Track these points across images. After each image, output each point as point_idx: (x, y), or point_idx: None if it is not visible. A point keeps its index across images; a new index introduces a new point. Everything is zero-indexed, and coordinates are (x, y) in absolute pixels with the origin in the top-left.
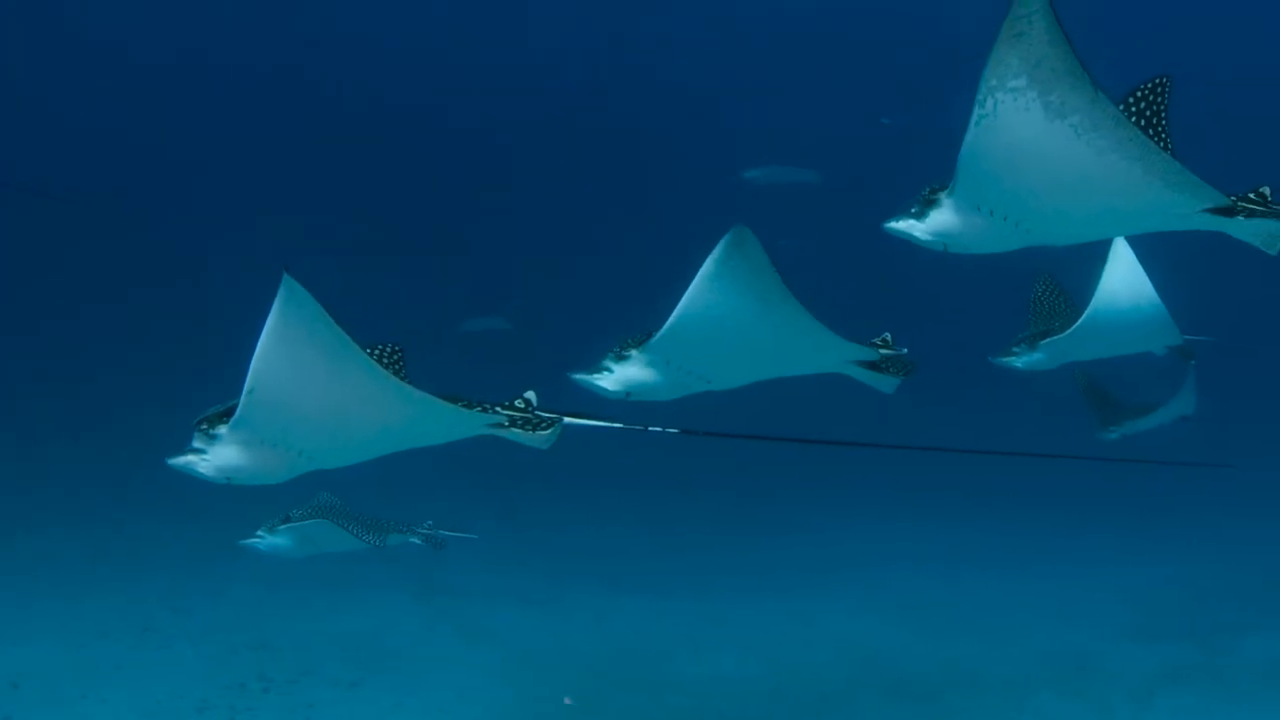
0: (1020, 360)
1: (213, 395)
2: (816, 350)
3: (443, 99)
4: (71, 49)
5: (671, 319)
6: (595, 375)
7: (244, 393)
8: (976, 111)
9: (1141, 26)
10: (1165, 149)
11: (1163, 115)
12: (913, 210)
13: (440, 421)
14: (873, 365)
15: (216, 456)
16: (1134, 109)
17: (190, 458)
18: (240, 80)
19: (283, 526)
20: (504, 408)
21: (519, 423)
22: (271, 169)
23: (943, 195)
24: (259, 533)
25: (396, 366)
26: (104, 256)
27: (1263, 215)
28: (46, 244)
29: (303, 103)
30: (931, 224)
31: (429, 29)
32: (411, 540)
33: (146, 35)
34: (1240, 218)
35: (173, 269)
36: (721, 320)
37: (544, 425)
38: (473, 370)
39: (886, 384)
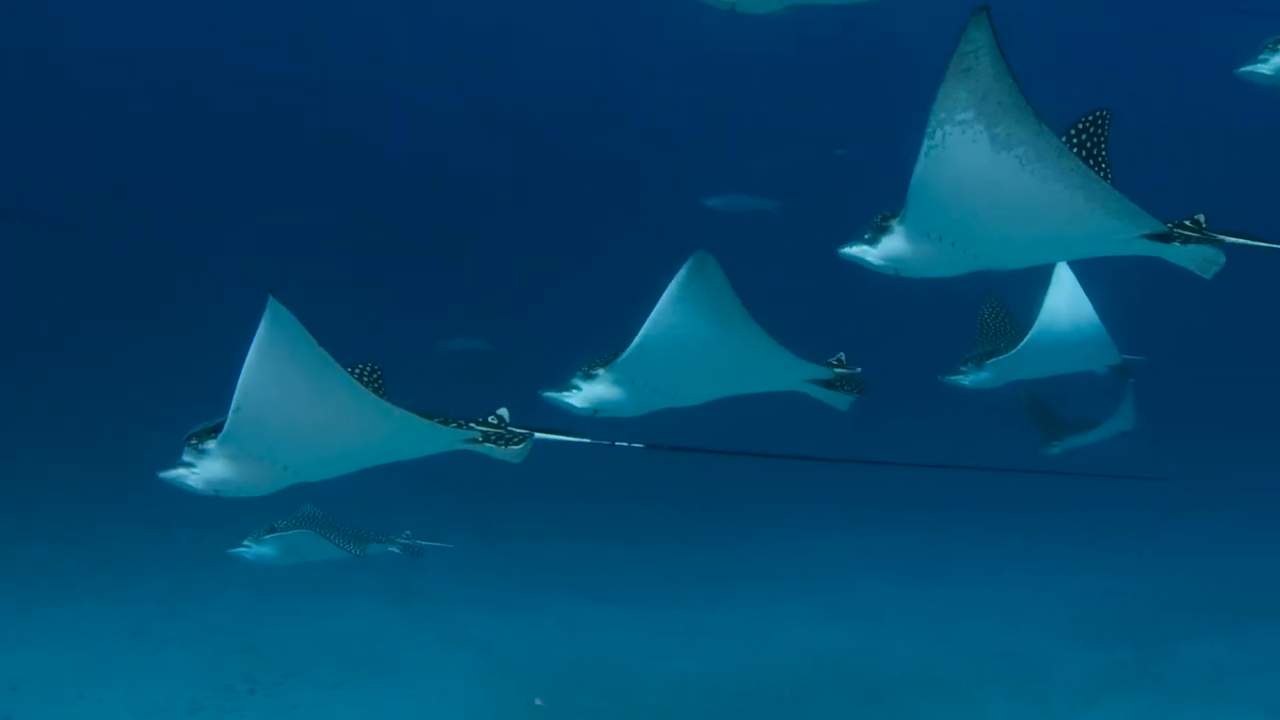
0: (968, 379)
1: (202, 412)
2: (774, 369)
3: (423, 133)
4: (58, 75)
5: (636, 340)
6: (564, 393)
7: (231, 410)
8: (926, 143)
9: (1084, 60)
10: (1105, 178)
11: (1103, 146)
12: (866, 236)
13: (418, 437)
14: (828, 384)
15: (205, 470)
16: (1076, 140)
17: (180, 471)
18: (226, 107)
19: (268, 536)
20: (478, 424)
21: (492, 438)
22: (257, 195)
23: (894, 222)
24: (246, 542)
25: (376, 385)
26: (98, 280)
27: (1198, 242)
28: (43, 266)
29: (285, 132)
30: (883, 249)
31: (408, 62)
32: (390, 549)
33: (136, 58)
34: (1176, 244)
35: (163, 293)
36: (684, 341)
37: (516, 440)
38: (449, 388)
39: (841, 401)
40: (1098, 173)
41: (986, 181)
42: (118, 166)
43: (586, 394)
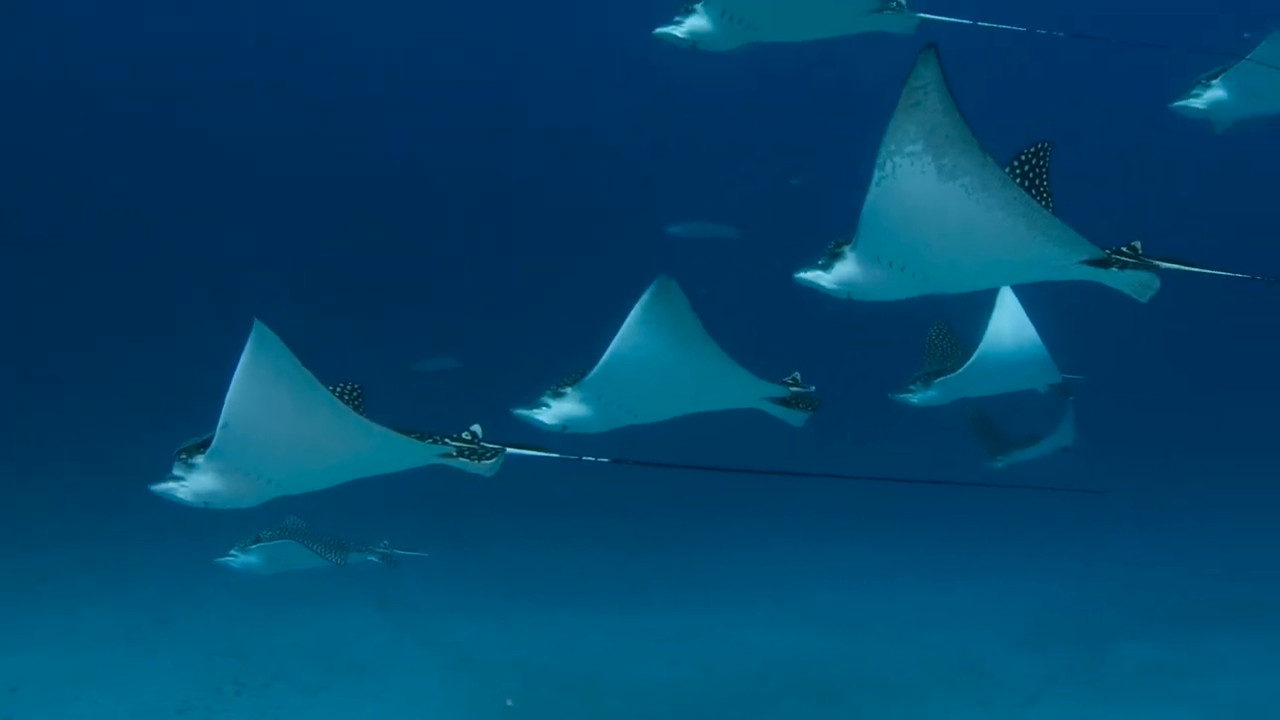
0: (916, 397)
1: (191, 428)
2: (733, 388)
3: (401, 161)
4: (46, 101)
5: (603, 360)
6: (535, 410)
7: (219, 426)
8: (877, 173)
9: (1028, 95)
10: (1047, 207)
11: (1045, 176)
12: (820, 262)
13: (395, 452)
14: (784, 401)
15: (194, 483)
16: (1019, 171)
17: (171, 484)
18: (203, 132)
19: (254, 546)
20: (452, 439)
21: (466, 453)
22: (241, 221)
23: (846, 249)
24: (232, 552)
25: (356, 402)
26: (94, 304)
27: (1134, 267)
28: (44, 291)
29: (272, 159)
30: (836, 274)
31: (386, 91)
32: (370, 559)
33: (122, 87)
34: (1114, 269)
35: (155, 316)
36: (648, 361)
37: (488, 455)
38: (425, 406)
39: (796, 418)
40: (1040, 202)
41: (934, 210)
42: (110, 193)
43: (556, 411)
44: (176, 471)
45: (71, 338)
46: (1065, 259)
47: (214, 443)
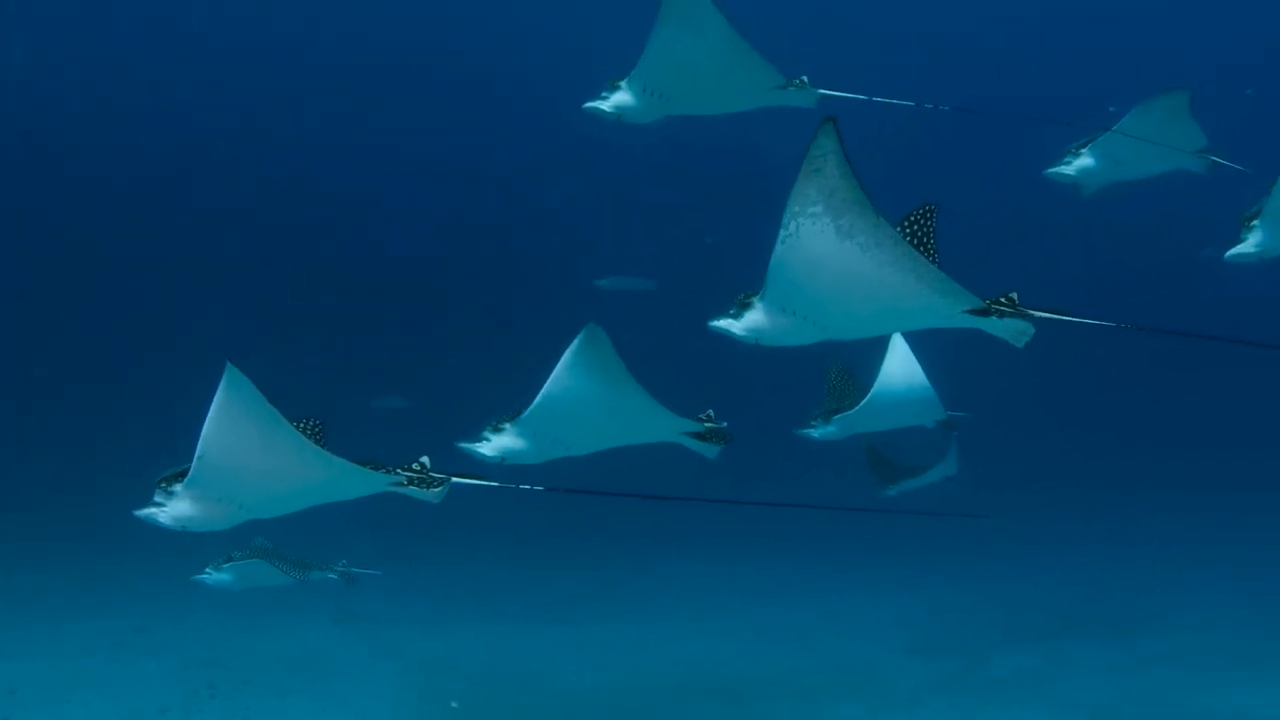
0: (817, 432)
1: (170, 459)
2: (654, 424)
3: (357, 218)
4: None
5: (537, 399)
6: (477, 444)
7: (195, 458)
8: (782, 232)
9: (917, 161)
10: (934, 262)
11: (931, 234)
12: (731, 311)
13: (353, 481)
14: (699, 436)
15: (173, 509)
16: (909, 229)
17: (152, 510)
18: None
19: (226, 565)
20: (403, 470)
21: (415, 482)
22: (214, 271)
23: (755, 299)
24: (207, 570)
25: (318, 436)
26: (80, 347)
27: (1011, 316)
28: (36, 334)
29: (243, 214)
30: (746, 323)
31: (336, 145)
32: (330, 576)
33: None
34: (994, 318)
35: (135, 359)
36: (577, 400)
37: (435, 484)
38: (379, 440)
39: (710, 451)
40: (927, 257)
41: (833, 265)
42: (95, 247)
43: (495, 444)
44: (157, 498)
45: (62, 379)
46: (949, 308)
47: (190, 472)
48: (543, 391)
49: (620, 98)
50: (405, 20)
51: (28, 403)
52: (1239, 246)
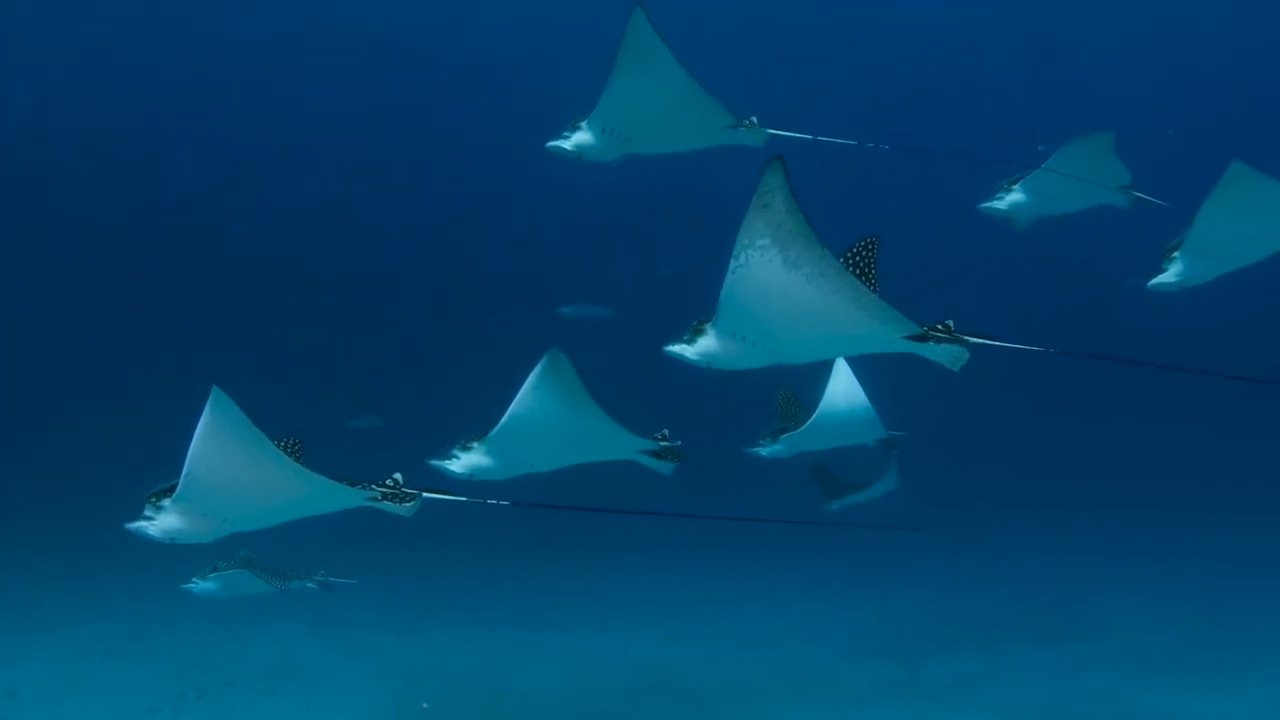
0: (765, 450)
1: (159, 476)
2: (613, 442)
3: (336, 248)
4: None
5: (503, 419)
6: (446, 461)
7: (183, 475)
8: (732, 263)
9: (859, 195)
10: (874, 291)
11: (873, 264)
12: (685, 338)
13: (331, 496)
14: (654, 454)
15: (162, 522)
16: (851, 260)
17: (143, 523)
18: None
19: (212, 575)
20: (378, 485)
21: (389, 496)
22: (206, 304)
23: (707, 326)
24: (194, 580)
25: (297, 454)
26: (78, 372)
27: (947, 341)
28: (36, 362)
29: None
30: (699, 348)
31: (306, 174)
32: (309, 585)
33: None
34: (931, 343)
35: (127, 382)
36: (541, 420)
37: (408, 498)
38: (355, 457)
39: (665, 467)
40: (868, 286)
41: (780, 294)
42: (92, 279)
43: (464, 462)
44: (147, 513)
45: (62, 400)
46: (890, 334)
47: (178, 488)
48: (508, 412)
49: (581, 137)
50: (378, 59)
51: (28, 421)
52: (1160, 277)
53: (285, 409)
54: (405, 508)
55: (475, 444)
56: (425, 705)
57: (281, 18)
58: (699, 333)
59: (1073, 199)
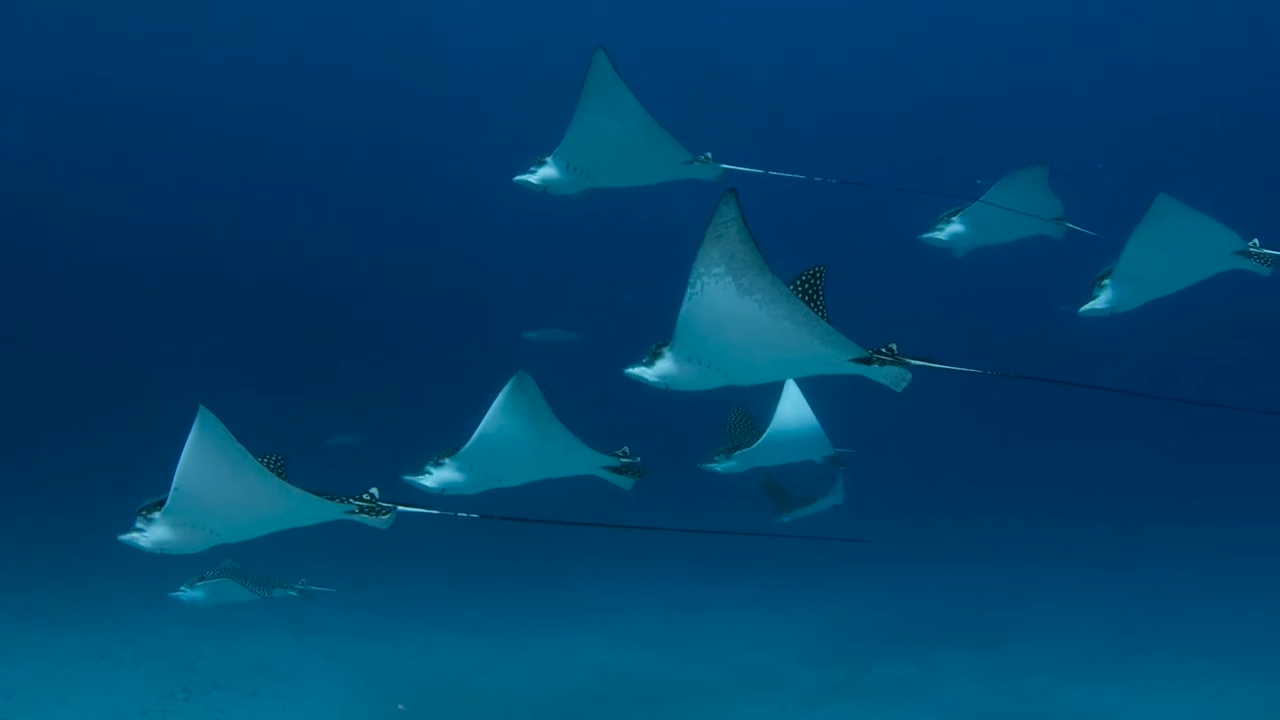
0: (719, 466)
1: (149, 490)
2: (576, 459)
3: (322, 274)
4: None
5: (473, 437)
6: (420, 477)
7: (171, 489)
8: (689, 290)
9: (809, 227)
10: (822, 316)
11: (820, 291)
12: (644, 360)
13: (311, 510)
14: (616, 469)
15: (152, 534)
16: (800, 287)
17: (134, 535)
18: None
19: (199, 583)
20: (355, 499)
21: (366, 510)
22: (194, 330)
23: (665, 349)
24: (182, 588)
25: (280, 470)
26: (75, 392)
27: (891, 364)
28: (33, 382)
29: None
30: (657, 370)
31: (285, 204)
32: (290, 593)
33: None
34: (875, 365)
35: (118, 402)
36: (508, 438)
37: (384, 512)
38: (333, 473)
39: (625, 483)
40: (817, 312)
41: (734, 319)
42: (87, 305)
43: (436, 477)
44: (138, 525)
45: (54, 422)
46: (837, 357)
47: (167, 502)
48: (478, 430)
49: (546, 172)
50: (355, 91)
51: (27, 438)
52: (1091, 303)
53: (267, 428)
54: (381, 520)
55: (447, 460)
56: (400, 706)
57: (263, 49)
58: (657, 356)
59: (1009, 230)
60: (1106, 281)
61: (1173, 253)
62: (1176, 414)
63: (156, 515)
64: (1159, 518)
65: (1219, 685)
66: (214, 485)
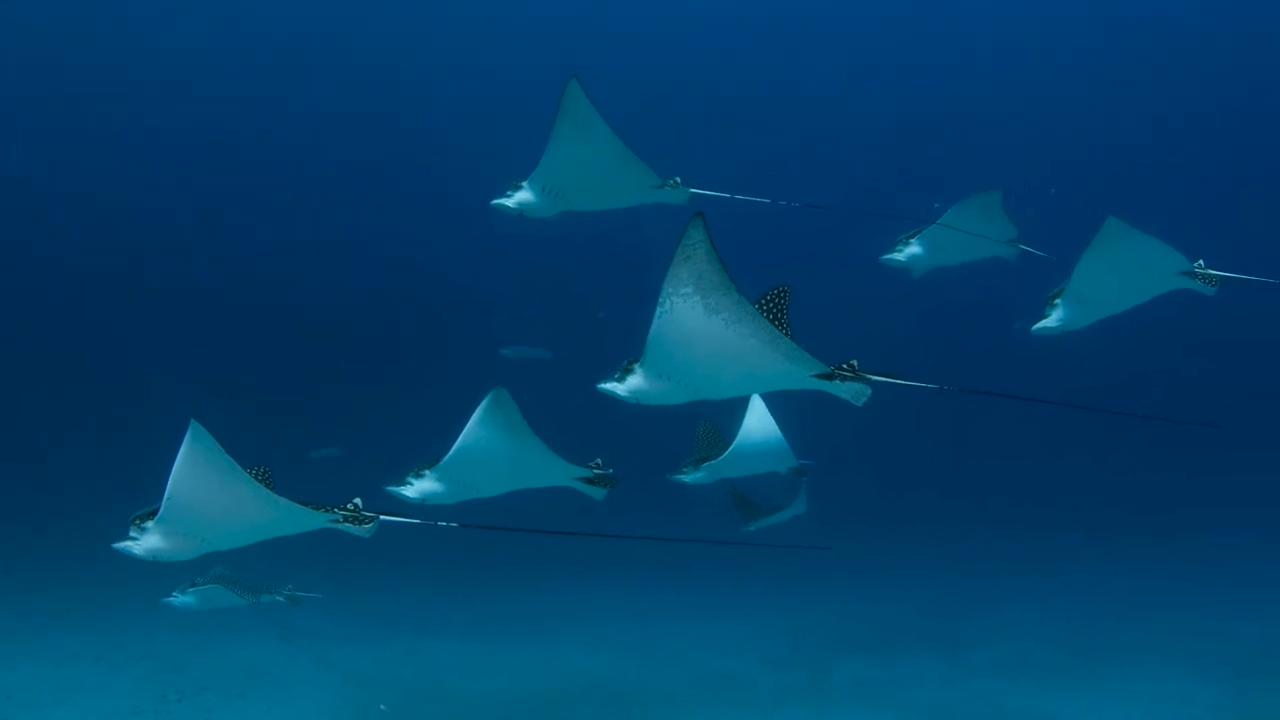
0: (688, 477)
1: (142, 500)
2: (551, 470)
3: (292, 283)
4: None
5: (452, 449)
6: (401, 487)
7: (164, 499)
8: (659, 309)
9: (775, 248)
10: (786, 334)
11: (785, 310)
12: (616, 376)
13: (297, 519)
14: (589, 480)
15: (145, 542)
16: (766, 306)
17: (128, 543)
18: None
19: (190, 589)
20: (339, 509)
21: (350, 519)
22: (186, 347)
23: (636, 366)
24: (174, 593)
25: (267, 481)
26: (74, 407)
27: (852, 379)
28: (36, 397)
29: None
30: (628, 385)
31: (268, 223)
32: (278, 598)
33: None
34: (837, 381)
35: (111, 416)
36: (486, 451)
37: (367, 521)
38: (318, 484)
39: (598, 493)
40: (781, 330)
41: (702, 337)
42: (84, 325)
43: (417, 488)
44: (132, 533)
45: (51, 434)
46: (800, 373)
47: (160, 512)
48: (457, 443)
49: (522, 196)
50: (340, 109)
51: (25, 451)
52: (1044, 321)
53: (255, 441)
54: (364, 529)
55: (427, 472)
56: (383, 707)
57: (247, 68)
58: (629, 372)
59: (965, 251)
60: (1058, 301)
61: (1121, 273)
62: (1138, 428)
63: (149, 524)
64: (1108, 528)
65: (1167, 688)
66: (205, 496)
